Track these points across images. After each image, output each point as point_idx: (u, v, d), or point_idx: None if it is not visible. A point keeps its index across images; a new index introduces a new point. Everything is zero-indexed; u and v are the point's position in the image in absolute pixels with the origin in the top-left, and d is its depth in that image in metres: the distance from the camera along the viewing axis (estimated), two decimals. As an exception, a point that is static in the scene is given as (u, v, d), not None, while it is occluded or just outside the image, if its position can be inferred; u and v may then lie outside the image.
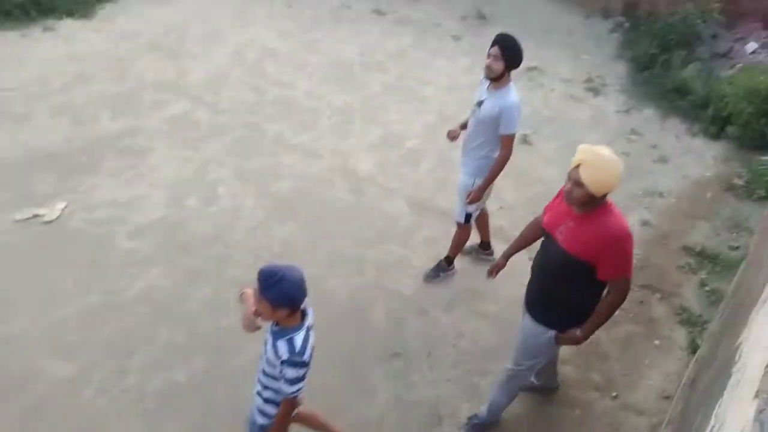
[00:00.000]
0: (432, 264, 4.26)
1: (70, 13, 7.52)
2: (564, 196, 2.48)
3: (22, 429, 3.09)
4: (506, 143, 3.45)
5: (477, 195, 3.64)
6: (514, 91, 3.39)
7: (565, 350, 3.71)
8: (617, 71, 7.21)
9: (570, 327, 2.68)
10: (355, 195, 4.96)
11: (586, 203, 2.43)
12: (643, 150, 5.82)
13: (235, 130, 5.68)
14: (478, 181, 3.64)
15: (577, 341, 2.73)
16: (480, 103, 3.43)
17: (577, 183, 2.38)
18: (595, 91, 6.80)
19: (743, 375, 2.12)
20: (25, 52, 6.67)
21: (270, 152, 5.39)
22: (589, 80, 6.99)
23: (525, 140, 5.83)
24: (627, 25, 7.87)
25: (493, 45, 3.23)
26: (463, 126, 3.86)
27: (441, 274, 4.13)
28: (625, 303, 3.91)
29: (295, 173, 5.15)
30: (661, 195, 5.18)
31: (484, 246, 4.34)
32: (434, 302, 4.02)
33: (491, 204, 4.91)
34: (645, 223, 4.84)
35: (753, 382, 1.84)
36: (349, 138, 5.67)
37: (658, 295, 4.14)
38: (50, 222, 4.44)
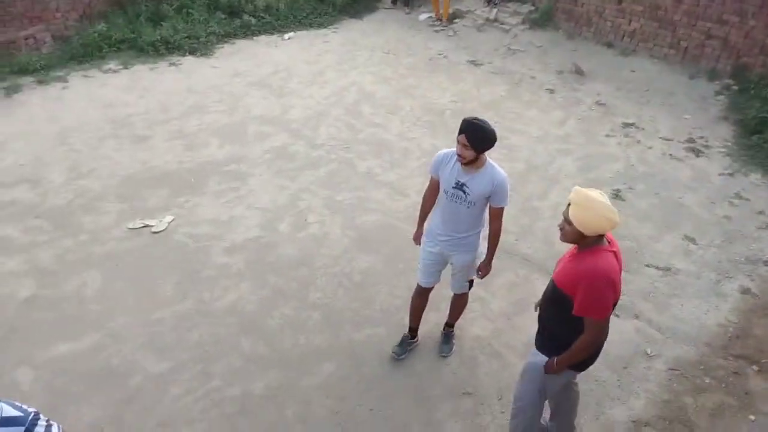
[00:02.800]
0: (511, 308, 4.22)
1: (193, 51, 8.41)
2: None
3: (116, 415, 3.33)
4: (500, 215, 3.35)
5: (489, 267, 3.53)
6: (497, 166, 3.26)
7: (647, 412, 3.52)
8: (722, 134, 6.92)
9: (556, 353, 2.76)
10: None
11: (578, 241, 2.58)
12: (747, 215, 5.49)
13: (329, 164, 5.99)
14: (481, 256, 3.53)
15: (548, 369, 2.79)
16: (461, 185, 3.23)
17: (567, 221, 2.55)
18: (697, 152, 6.54)
19: None
20: (151, 83, 7.48)
21: (359, 187, 5.63)
22: (690, 140, 6.75)
23: (617, 195, 5.70)
24: (735, 87, 7.58)
25: (460, 132, 3.08)
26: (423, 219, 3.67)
27: (454, 341, 3.95)
28: (719, 372, 3.76)
29: (381, 208, 5.34)
30: (765, 263, 4.84)
31: (413, 333, 3.96)
32: (510, 347, 3.95)
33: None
34: (745, 291, 4.53)
35: None
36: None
37: (755, 367, 3.82)
38: (158, 233, 4.86)
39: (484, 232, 3.47)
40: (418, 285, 3.71)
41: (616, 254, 2.60)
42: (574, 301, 2.55)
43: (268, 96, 7.37)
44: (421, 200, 3.64)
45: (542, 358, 2.82)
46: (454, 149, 3.21)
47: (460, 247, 3.46)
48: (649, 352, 3.97)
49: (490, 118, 7.03)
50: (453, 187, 3.27)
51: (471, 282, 3.72)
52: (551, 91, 7.84)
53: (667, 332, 4.12)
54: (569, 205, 2.55)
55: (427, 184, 3.55)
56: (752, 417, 3.49)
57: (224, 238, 4.85)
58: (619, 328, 4.13)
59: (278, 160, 6.03)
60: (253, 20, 9.22)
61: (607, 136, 6.89)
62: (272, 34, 9.37)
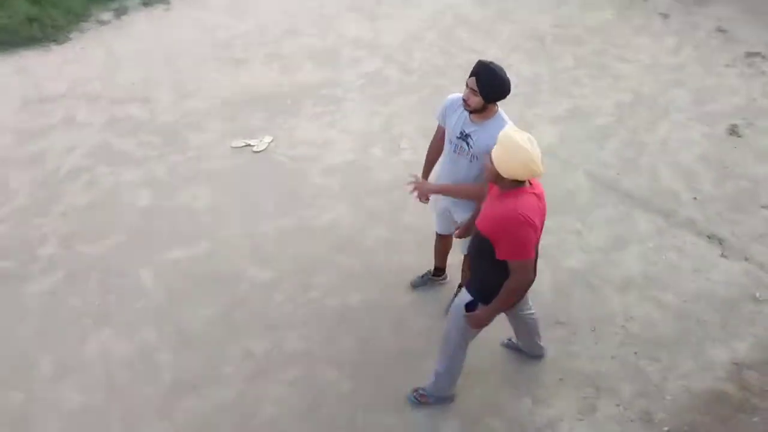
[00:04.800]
0: (608, 242, 4.11)
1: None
2: None
3: (226, 317, 3.65)
4: None
5: (466, 231, 3.20)
6: (508, 119, 2.93)
7: (751, 355, 3.39)
8: None
9: (486, 299, 2.68)
10: (534, 164, 4.90)
11: (496, 182, 2.49)
12: None
13: (423, 89, 5.89)
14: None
15: (477, 321, 2.72)
16: (465, 136, 2.96)
17: (489, 158, 2.47)
18: (833, 86, 5.84)
19: None
20: (248, 6, 7.54)
21: (453, 114, 5.52)
22: (827, 73, 6.02)
23: (734, 131, 5.25)
24: None
25: (471, 75, 2.78)
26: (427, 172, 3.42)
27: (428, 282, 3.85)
28: None
29: (475, 136, 5.23)
30: None
31: (438, 272, 3.88)
32: (606, 280, 3.88)
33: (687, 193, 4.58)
34: None
35: None
36: (534, 108, 5.58)
37: None
38: (258, 152, 5.06)
39: None
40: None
41: (538, 196, 2.51)
42: (496, 246, 2.48)
43: (360, 19, 7.24)
44: None
45: (466, 298, 2.75)
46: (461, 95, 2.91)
47: (459, 205, 3.18)
48: (758, 295, 3.77)
49: (595, 45, 6.68)
50: (457, 137, 3.00)
51: None
52: (665, 16, 7.15)
53: (782, 277, 3.88)
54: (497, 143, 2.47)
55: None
56: None
57: (320, 159, 4.98)
58: (727, 269, 3.94)
59: (371, 85, 6.00)
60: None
61: (727, 66, 6.26)
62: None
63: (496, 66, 2.77)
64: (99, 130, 5.35)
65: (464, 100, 2.85)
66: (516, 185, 2.45)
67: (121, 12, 7.28)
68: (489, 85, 2.75)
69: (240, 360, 3.38)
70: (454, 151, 3.05)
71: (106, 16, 7.17)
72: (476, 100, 2.79)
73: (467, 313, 2.72)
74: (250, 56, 6.49)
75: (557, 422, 3.07)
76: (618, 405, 3.15)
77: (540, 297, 3.76)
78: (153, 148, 5.13)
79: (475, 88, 2.76)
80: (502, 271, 2.53)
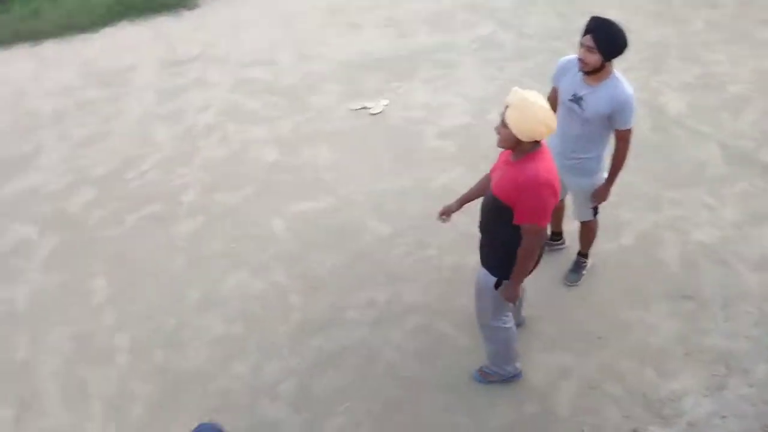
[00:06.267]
0: (743, 217, 3.88)
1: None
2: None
3: (352, 264, 3.86)
4: (626, 137, 2.89)
5: (606, 193, 3.12)
6: (624, 80, 2.77)
7: None
8: None
9: (508, 271, 2.61)
10: (660, 133, 4.69)
11: (514, 147, 2.39)
12: None
13: (539, 54, 5.76)
14: (600, 180, 3.12)
15: (511, 295, 2.67)
16: (577, 99, 2.84)
17: (504, 124, 2.35)
18: None
19: None
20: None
21: (573, 80, 5.36)
22: None
23: None
24: None
25: (585, 33, 2.66)
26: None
27: (584, 272, 3.63)
28: None
29: (596, 103, 5.06)
30: None
31: (555, 236, 3.74)
32: (741, 257, 3.68)
33: None
34: None
35: None
36: (661, 74, 5.30)
37: None
38: (375, 114, 5.22)
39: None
40: None
41: (549, 153, 2.45)
42: (515, 210, 2.41)
43: (474, -17, 7.13)
44: None
45: (490, 280, 2.67)
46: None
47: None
48: None
49: (731, 7, 6.15)
50: (569, 99, 2.89)
51: (595, 209, 3.31)
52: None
53: None
54: (507, 107, 2.34)
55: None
56: None
57: (436, 123, 5.05)
58: None
59: (486, 49, 5.95)
60: None
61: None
62: None
63: (611, 20, 2.67)
64: (228, 90, 5.73)
65: (580, 59, 2.74)
66: (535, 147, 2.38)
67: (242, -21, 7.65)
68: (607, 39, 2.64)
69: (363, 307, 3.59)
70: (567, 115, 2.96)
71: (232, -18, 7.57)
72: (594, 58, 2.69)
73: (500, 291, 2.68)
74: (363, 21, 6.63)
75: (682, 396, 3.00)
76: (751, 386, 3.02)
77: (665, 269, 3.67)
78: (277, 108, 5.43)
79: (592, 44, 2.66)
80: (518, 234, 2.49)
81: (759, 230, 3.83)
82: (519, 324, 3.27)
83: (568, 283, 3.61)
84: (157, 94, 5.74)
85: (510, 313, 2.92)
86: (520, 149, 2.39)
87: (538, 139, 2.35)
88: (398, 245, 3.96)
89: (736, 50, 5.52)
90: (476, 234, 3.98)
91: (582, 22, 5.81)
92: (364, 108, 5.31)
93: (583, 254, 3.64)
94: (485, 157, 4.61)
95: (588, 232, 3.52)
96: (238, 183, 4.58)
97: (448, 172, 4.52)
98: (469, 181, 4.43)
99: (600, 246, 3.70)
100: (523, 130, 2.30)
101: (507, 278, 2.65)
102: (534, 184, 2.35)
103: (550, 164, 2.43)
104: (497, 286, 2.69)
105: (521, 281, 2.67)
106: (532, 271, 2.69)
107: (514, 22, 6.31)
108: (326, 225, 4.16)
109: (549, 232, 3.81)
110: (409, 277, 3.74)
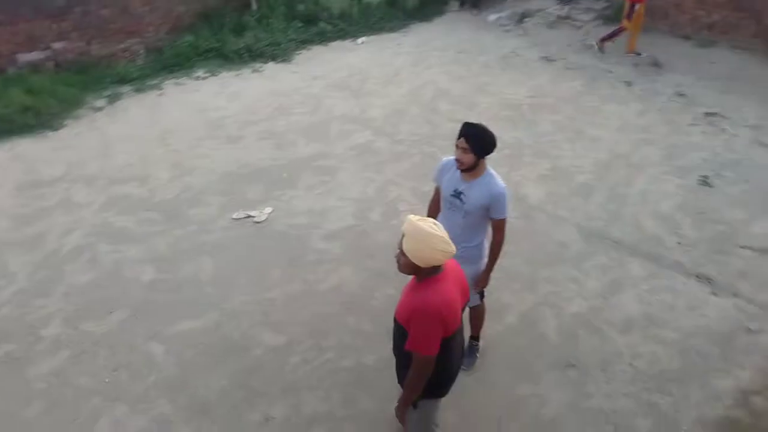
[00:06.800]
0: (605, 288, 4.27)
1: (274, 58, 8.85)
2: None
3: (244, 382, 3.62)
4: (501, 226, 3.23)
5: (487, 279, 3.40)
6: (497, 175, 3.16)
7: (755, 382, 3.53)
8: (813, 118, 6.69)
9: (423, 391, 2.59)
10: (526, 220, 5.14)
11: (415, 273, 2.45)
12: None
13: (412, 157, 6.20)
14: (483, 266, 3.38)
15: (400, 409, 2.67)
16: (458, 194, 3.15)
17: (402, 252, 2.43)
18: (789, 138, 6.36)
19: None
20: (238, 88, 7.94)
21: (444, 178, 5.80)
22: (779, 126, 6.56)
23: (705, 182, 5.63)
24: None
25: (459, 136, 3.01)
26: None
27: (477, 354, 3.77)
28: None
29: (467, 197, 5.48)
30: None
31: (473, 339, 3.84)
32: (609, 323, 4.02)
33: (670, 238, 4.83)
34: None
35: None
36: (520, 169, 5.91)
37: None
38: (260, 222, 5.19)
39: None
40: None
41: (454, 274, 2.50)
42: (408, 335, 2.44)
43: (347, 97, 7.67)
44: None
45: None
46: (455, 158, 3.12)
47: (460, 260, 3.16)
48: (751, 327, 3.95)
49: (568, 112, 7.18)
50: (451, 195, 3.18)
51: (482, 293, 3.53)
52: (629, 84, 7.79)
53: (770, 310, 4.08)
54: (403, 235, 2.43)
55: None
56: None
57: (321, 226, 5.13)
58: (719, 306, 4.14)
59: (363, 155, 6.29)
60: (329, 27, 9.60)
61: (690, 125, 6.79)
62: (345, 39, 9.70)
63: (479, 123, 3.05)
64: (98, 210, 5.42)
65: (457, 160, 3.07)
66: (433, 273, 2.42)
67: (114, 98, 7.57)
68: (478, 140, 3.00)
69: (259, 425, 3.34)
70: (449, 209, 3.23)
71: (100, 103, 7.44)
72: (469, 157, 3.02)
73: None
74: (243, 134, 6.77)
75: (583, 464, 3.09)
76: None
77: (548, 341, 3.88)
78: (153, 224, 5.21)
79: (466, 146, 2.99)
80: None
81: (619, 297, 4.24)
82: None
83: (465, 368, 3.62)
84: (12, 220, 5.27)
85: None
86: (420, 274, 2.44)
87: (432, 264, 2.39)
88: (293, 354, 3.82)
89: (577, 146, 6.36)
90: (371, 332, 4.00)
91: (447, 126, 6.39)
92: (249, 217, 5.27)
93: (474, 337, 3.76)
94: (371, 256, 4.74)
95: (478, 316, 3.68)
96: (110, 308, 4.22)
97: (336, 273, 4.54)
98: (358, 280, 4.53)
99: (489, 328, 3.85)
100: (419, 258, 2.36)
101: (427, 397, 2.62)
102: (420, 313, 2.38)
103: (446, 291, 2.44)
104: (415, 405, 2.66)
105: (409, 402, 2.63)
106: (418, 392, 2.59)
107: (388, 130, 6.79)
108: (211, 343, 3.91)
109: None
110: (308, 386, 3.58)
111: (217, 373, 3.70)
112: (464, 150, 2.99)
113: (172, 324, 4.09)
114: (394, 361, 2.86)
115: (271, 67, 8.61)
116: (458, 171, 3.12)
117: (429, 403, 2.72)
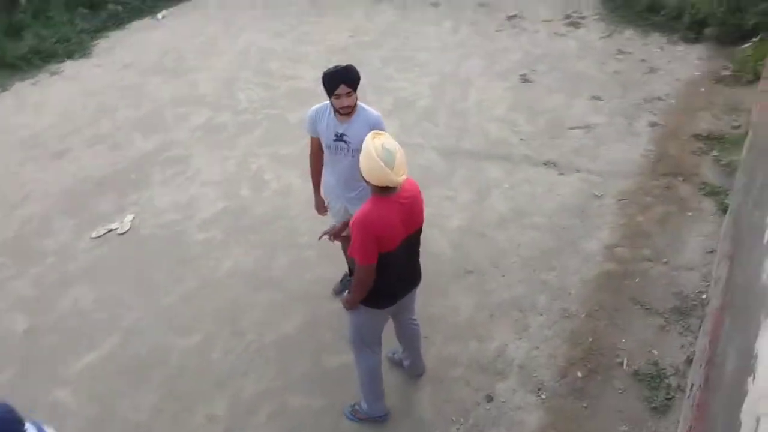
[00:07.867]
0: (476, 195, 4.74)
1: (70, 55, 7.92)
2: None
3: (170, 392, 3.50)
4: None
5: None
6: (367, 107, 3.24)
7: (613, 237, 4.22)
8: (591, 4, 7.72)
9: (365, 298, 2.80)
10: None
11: (369, 186, 2.56)
12: (633, 65, 6.33)
13: (260, 123, 6.10)
14: None
15: (345, 305, 2.87)
16: (341, 137, 3.20)
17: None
18: (576, 25, 7.32)
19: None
20: (41, 98, 7.04)
21: (298, 136, 5.80)
22: (567, 17, 7.51)
23: (525, 79, 6.31)
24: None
25: (336, 85, 3.01)
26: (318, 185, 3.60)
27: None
28: (655, 190, 4.53)
29: (328, 148, 5.59)
30: (660, 99, 5.70)
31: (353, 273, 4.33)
32: (487, 225, 4.49)
33: (513, 137, 5.41)
34: (654, 125, 5.36)
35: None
36: (367, 109, 6.11)
37: (680, 178, 4.66)
38: (124, 233, 4.84)
39: None
40: None
41: (403, 204, 2.55)
42: None
43: (168, 79, 7.19)
44: None
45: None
46: (324, 103, 3.21)
47: (358, 201, 3.21)
48: (596, 193, 4.67)
49: (392, 44, 7.46)
50: (334, 140, 3.22)
51: None
52: (435, 5, 8.26)
53: (605, 174, 4.85)
54: None
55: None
56: (689, 214, 4.32)
57: (194, 217, 4.92)
58: (568, 183, 4.81)
59: (210, 134, 6.04)
60: (119, 8, 8.74)
61: (497, 31, 7.48)
62: (143, 17, 8.95)
63: (342, 65, 3.07)
64: (-76, 274, 4.64)
65: (346, 107, 3.06)
66: (381, 192, 2.50)
67: None
68: (353, 78, 3.03)
69: (206, 426, 3.30)
70: (335, 154, 3.30)
71: None
72: (353, 98, 3.07)
73: (341, 297, 2.85)
74: (68, 146, 6.10)
75: (504, 348, 3.54)
76: (541, 314, 3.72)
77: (443, 258, 4.24)
78: (4, 268, 4.62)
79: (349, 89, 3.02)
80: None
81: (489, 200, 4.74)
82: (420, 374, 3.43)
83: (337, 294, 3.91)
84: None
85: (377, 349, 3.04)
86: (371, 188, 2.54)
87: (377, 185, 2.47)
88: (213, 348, 3.75)
89: (410, 75, 6.70)
90: (282, 302, 4.05)
91: (285, 85, 6.30)
92: (110, 231, 4.88)
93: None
94: (255, 230, 4.71)
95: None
96: (-9, 369, 3.76)
97: (227, 258, 4.46)
98: (250, 257, 4.48)
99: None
100: (364, 173, 2.48)
101: (365, 304, 2.77)
102: (358, 223, 2.51)
103: (387, 210, 2.51)
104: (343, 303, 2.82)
105: (354, 304, 2.79)
106: (361, 298, 2.74)
107: (226, 103, 6.55)
108: (123, 366, 3.69)
109: (347, 269, 4.05)
110: (240, 373, 3.58)
111: (142, 391, 3.53)
112: (348, 94, 3.03)
113: (71, 363, 3.77)
114: (316, 315, 3.26)
115: (70, 65, 7.71)
116: (332, 115, 3.18)
117: (367, 311, 2.82)
